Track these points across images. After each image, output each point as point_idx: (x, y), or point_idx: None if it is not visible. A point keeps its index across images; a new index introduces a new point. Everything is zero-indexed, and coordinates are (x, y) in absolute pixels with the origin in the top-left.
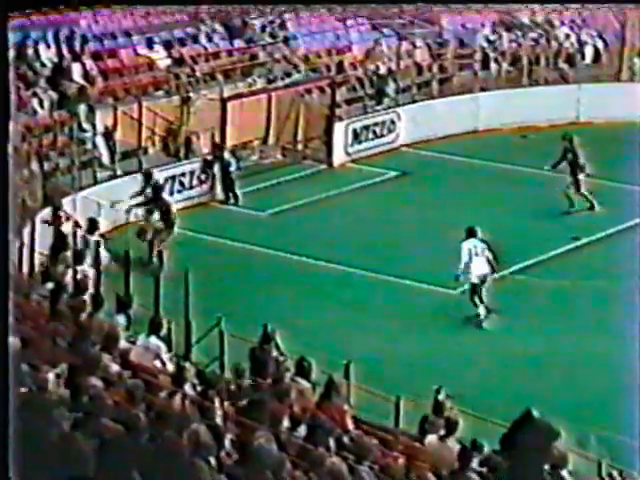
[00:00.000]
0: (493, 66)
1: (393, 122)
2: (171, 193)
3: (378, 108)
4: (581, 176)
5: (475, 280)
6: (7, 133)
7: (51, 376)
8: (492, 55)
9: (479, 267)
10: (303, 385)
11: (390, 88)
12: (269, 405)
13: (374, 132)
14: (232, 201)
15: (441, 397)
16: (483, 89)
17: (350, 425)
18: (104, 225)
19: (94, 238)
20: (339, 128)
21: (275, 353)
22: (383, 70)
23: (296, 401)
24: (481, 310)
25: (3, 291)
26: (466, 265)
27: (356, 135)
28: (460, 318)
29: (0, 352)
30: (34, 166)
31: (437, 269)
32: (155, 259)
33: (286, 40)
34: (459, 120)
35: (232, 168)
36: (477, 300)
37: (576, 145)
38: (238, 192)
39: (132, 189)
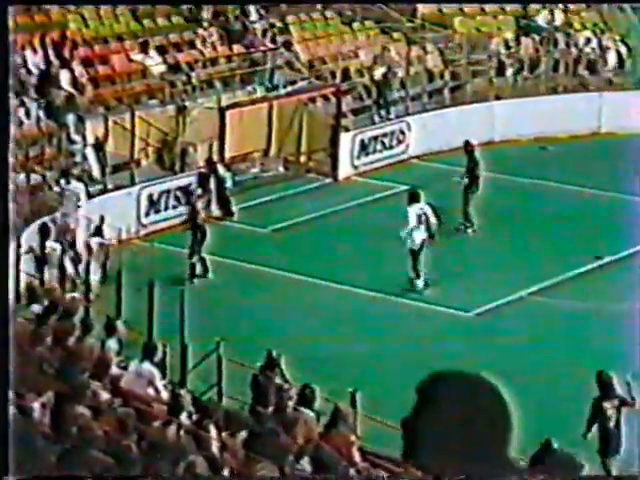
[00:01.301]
0: (509, 72)
1: (402, 132)
2: (166, 208)
3: (387, 117)
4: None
5: (416, 247)
6: (7, 133)
7: (36, 405)
8: (508, 61)
9: (421, 234)
10: (307, 414)
11: (399, 96)
12: (272, 436)
13: (382, 143)
14: (229, 217)
15: None
16: (498, 97)
17: (357, 457)
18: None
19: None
20: (345, 139)
21: (279, 380)
22: (392, 77)
23: (299, 431)
24: (420, 282)
25: (3, 291)
26: (411, 230)
27: (363, 146)
28: (476, 340)
29: (0, 352)
30: (20, 179)
31: (449, 290)
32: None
33: (288, 45)
34: (473, 130)
35: (227, 184)
36: (418, 269)
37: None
38: (235, 208)
39: (124, 204)
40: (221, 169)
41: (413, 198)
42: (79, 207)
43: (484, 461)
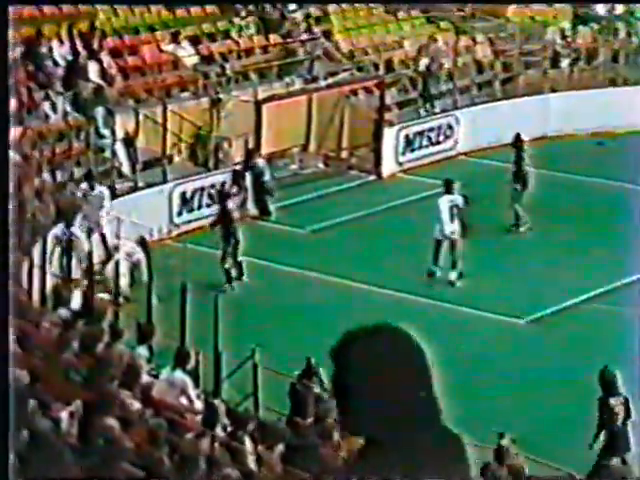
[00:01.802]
0: (565, 64)
1: (450, 127)
2: (199, 207)
3: (433, 111)
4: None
5: (440, 237)
6: (7, 134)
7: (64, 415)
8: (564, 51)
9: (451, 225)
10: None
11: (447, 89)
12: (312, 449)
13: (429, 138)
14: (266, 216)
15: (504, 442)
16: (553, 89)
17: None
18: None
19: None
20: (389, 134)
21: (318, 389)
22: (439, 68)
23: (341, 444)
24: (438, 271)
25: (3, 291)
26: (444, 223)
27: (408, 142)
28: (527, 349)
29: (0, 352)
30: (46, 176)
31: (501, 296)
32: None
33: (329, 34)
34: (526, 125)
35: (266, 178)
36: (439, 260)
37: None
38: (272, 206)
39: (155, 203)
40: (260, 161)
41: (447, 188)
42: (102, 212)
43: (412, 415)
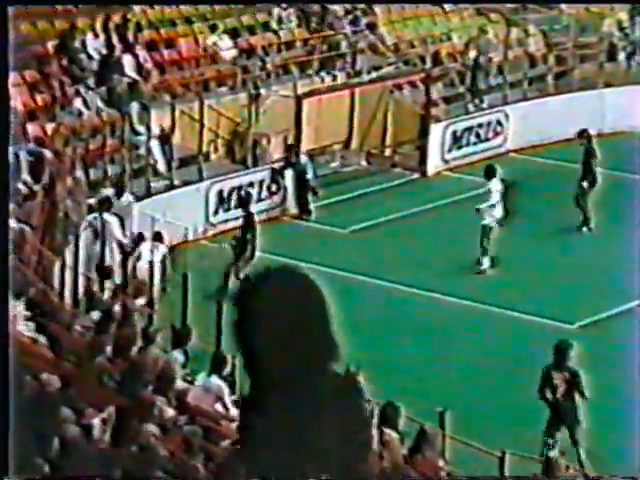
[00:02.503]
0: (622, 57)
1: (500, 123)
2: (236, 206)
3: (482, 107)
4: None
5: (492, 224)
6: (7, 134)
7: (96, 421)
8: (621, 44)
9: (499, 211)
10: (390, 435)
11: (496, 83)
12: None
13: (477, 135)
14: (306, 216)
15: (553, 454)
16: (609, 84)
17: None
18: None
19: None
20: (435, 130)
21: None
22: (488, 62)
23: (381, 454)
24: (486, 261)
25: (3, 291)
26: (492, 205)
27: (455, 138)
28: (581, 356)
29: (0, 352)
30: (79, 174)
31: (552, 299)
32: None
33: (373, 27)
34: (580, 121)
35: (309, 176)
36: (486, 247)
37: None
38: (312, 205)
39: (191, 201)
40: (303, 158)
41: (491, 173)
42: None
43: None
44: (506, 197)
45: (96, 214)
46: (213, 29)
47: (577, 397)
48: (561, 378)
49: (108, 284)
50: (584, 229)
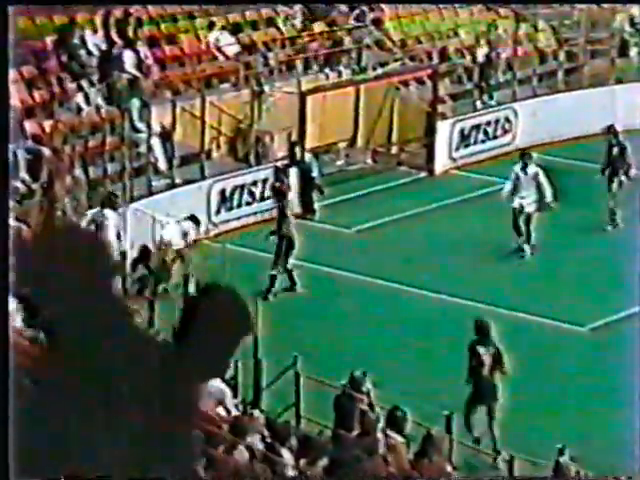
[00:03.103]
0: (634, 53)
1: (508, 120)
2: (239, 205)
3: (490, 104)
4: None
5: (532, 210)
6: (7, 133)
7: None
8: (633, 40)
9: (526, 195)
10: (396, 439)
11: (505, 79)
12: (357, 464)
13: (485, 132)
14: (310, 215)
15: (564, 459)
16: (620, 80)
17: None
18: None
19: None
20: (443, 128)
21: (364, 403)
22: (497, 58)
23: (387, 458)
24: (528, 248)
25: (3, 290)
26: (511, 190)
27: (463, 136)
28: (589, 359)
29: (0, 351)
30: (78, 172)
31: (563, 301)
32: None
33: (379, 22)
34: (591, 118)
35: (314, 174)
36: (530, 233)
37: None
38: (317, 205)
39: (193, 200)
40: (308, 156)
41: (525, 159)
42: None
43: None
44: (540, 185)
45: (98, 209)
46: (211, 26)
47: (498, 375)
48: (487, 354)
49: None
50: (608, 228)
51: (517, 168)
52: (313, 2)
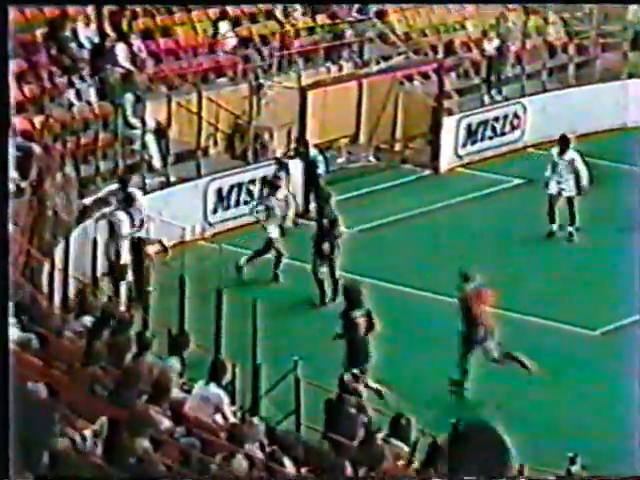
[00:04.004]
0: None
1: (517, 116)
2: (236, 204)
3: (498, 99)
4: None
5: (573, 194)
6: (7, 133)
7: (87, 433)
8: None
9: (564, 180)
10: (399, 448)
11: (513, 74)
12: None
13: (493, 129)
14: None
15: (575, 468)
16: (633, 75)
17: None
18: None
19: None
20: (448, 124)
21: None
22: (505, 51)
23: (390, 468)
24: (554, 227)
25: (3, 291)
26: (549, 177)
27: (470, 132)
28: (600, 363)
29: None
30: (69, 170)
31: (574, 305)
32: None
33: (382, 14)
34: (602, 113)
35: (320, 170)
36: (575, 216)
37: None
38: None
39: (189, 199)
40: (312, 152)
41: (564, 143)
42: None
43: None
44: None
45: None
46: (222, 17)
47: (370, 335)
48: (362, 317)
49: (105, 285)
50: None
51: (554, 153)
52: (313, 2)
